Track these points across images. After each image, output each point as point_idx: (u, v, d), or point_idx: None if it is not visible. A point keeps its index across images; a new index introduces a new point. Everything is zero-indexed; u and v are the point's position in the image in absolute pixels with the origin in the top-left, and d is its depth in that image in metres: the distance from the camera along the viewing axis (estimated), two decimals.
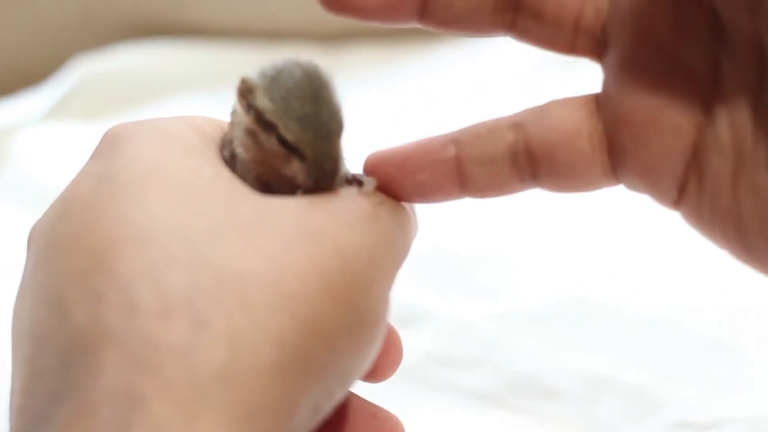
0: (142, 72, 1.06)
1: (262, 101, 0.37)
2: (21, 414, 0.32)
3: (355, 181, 0.38)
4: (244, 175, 0.37)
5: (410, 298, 0.66)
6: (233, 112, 0.39)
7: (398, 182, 0.39)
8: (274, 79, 0.37)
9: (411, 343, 0.63)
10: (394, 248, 0.37)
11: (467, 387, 0.60)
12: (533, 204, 0.78)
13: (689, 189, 0.38)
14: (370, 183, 0.38)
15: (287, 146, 0.37)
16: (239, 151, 0.38)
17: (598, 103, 0.39)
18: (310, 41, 1.16)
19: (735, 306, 0.65)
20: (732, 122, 0.36)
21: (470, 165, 0.39)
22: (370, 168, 0.39)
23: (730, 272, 0.67)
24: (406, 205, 0.39)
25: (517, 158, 0.39)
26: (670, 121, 0.37)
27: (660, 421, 0.57)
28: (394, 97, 0.98)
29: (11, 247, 0.52)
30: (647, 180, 0.39)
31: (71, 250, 0.33)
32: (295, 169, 0.37)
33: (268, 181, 0.38)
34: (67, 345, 0.31)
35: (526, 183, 0.40)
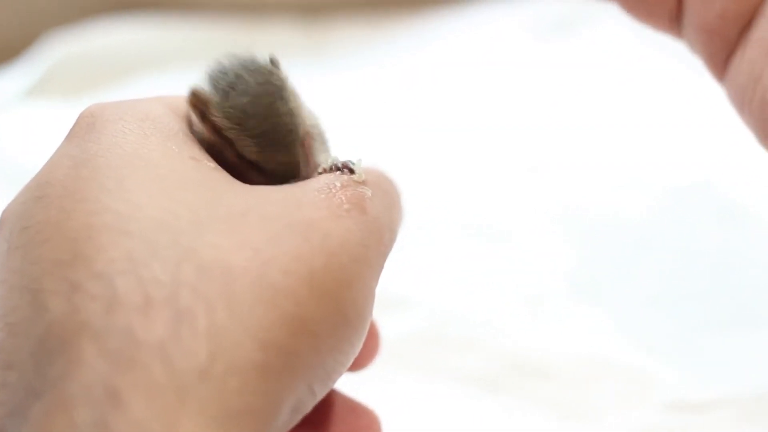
0: (120, 49, 1.04)
1: (218, 118, 0.36)
2: None
3: (345, 168, 0.37)
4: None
5: (402, 280, 0.65)
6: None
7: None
8: (227, 95, 0.36)
9: (403, 325, 0.62)
10: (381, 242, 0.36)
11: (460, 369, 0.59)
12: (528, 183, 0.78)
13: (736, 57, 0.43)
14: (360, 170, 0.37)
15: (247, 162, 0.37)
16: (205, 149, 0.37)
17: None
18: (291, 14, 1.14)
19: (730, 286, 0.64)
20: None
21: None
22: None
23: (724, 252, 0.67)
24: (394, 193, 0.39)
25: None
26: None
27: (656, 401, 0.56)
28: (380, 71, 0.97)
29: None
30: (703, 38, 0.44)
31: (47, 237, 0.32)
32: (255, 178, 0.37)
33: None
34: (43, 337, 0.30)
35: None
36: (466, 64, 0.96)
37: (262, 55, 0.38)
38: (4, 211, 0.36)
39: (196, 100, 0.37)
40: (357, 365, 0.43)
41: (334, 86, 0.89)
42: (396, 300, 0.62)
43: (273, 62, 0.38)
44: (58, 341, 0.29)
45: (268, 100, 0.37)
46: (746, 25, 0.42)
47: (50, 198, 0.33)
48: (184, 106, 0.39)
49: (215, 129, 0.37)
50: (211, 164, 0.35)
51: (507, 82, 0.91)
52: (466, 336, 0.62)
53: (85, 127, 0.36)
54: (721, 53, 0.43)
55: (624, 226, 0.72)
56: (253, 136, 0.36)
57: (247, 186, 0.35)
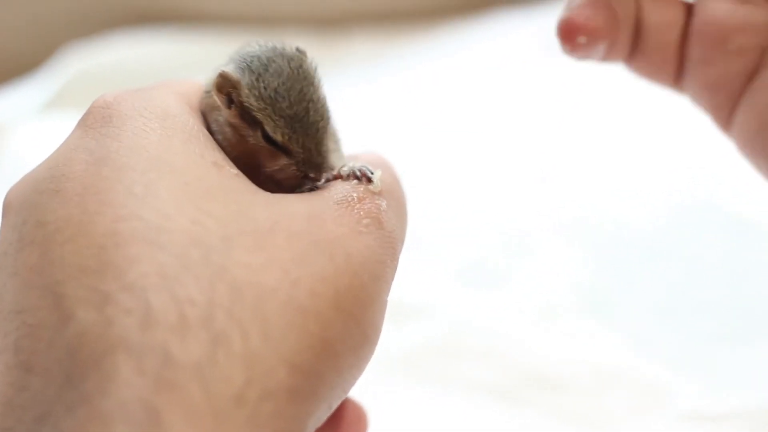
0: (136, 62, 1.05)
1: (249, 99, 0.36)
2: (8, 407, 0.30)
3: (363, 177, 0.37)
4: (233, 161, 0.36)
5: (416, 290, 0.65)
6: (207, 93, 0.38)
7: (598, 34, 0.43)
8: (260, 76, 0.36)
9: (416, 335, 0.62)
10: (395, 256, 0.36)
11: (473, 380, 0.59)
12: (541, 195, 0.78)
13: (741, 106, 0.43)
14: (378, 179, 0.37)
15: (274, 144, 0.37)
16: (220, 139, 0.37)
17: (692, 5, 0.44)
18: (307, 27, 1.15)
19: (744, 297, 0.64)
20: None
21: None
22: (569, 28, 0.43)
23: (740, 264, 0.67)
24: (404, 199, 0.39)
25: (624, 29, 0.44)
26: (737, 42, 0.42)
27: (671, 412, 0.56)
28: (394, 83, 0.97)
29: None
30: (707, 93, 0.44)
31: (68, 237, 0.31)
32: (281, 164, 0.37)
33: (255, 170, 0.37)
34: (72, 347, 0.29)
35: (618, 55, 0.45)
36: (479, 75, 0.96)
37: (289, 44, 0.38)
38: (10, 194, 0.35)
39: (225, 82, 0.37)
40: None
41: (349, 98, 0.90)
42: (411, 311, 0.62)
43: (300, 51, 0.38)
44: (91, 354, 0.29)
45: (301, 84, 0.37)
46: (750, 76, 0.43)
47: (68, 194, 0.32)
48: (194, 97, 0.39)
49: (242, 112, 0.37)
50: (233, 170, 0.35)
51: (519, 94, 0.91)
52: (481, 347, 0.62)
53: (100, 119, 0.35)
54: (726, 106, 0.44)
55: (636, 237, 0.71)
56: (284, 117, 0.36)
57: (270, 196, 0.35)
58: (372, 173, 0.37)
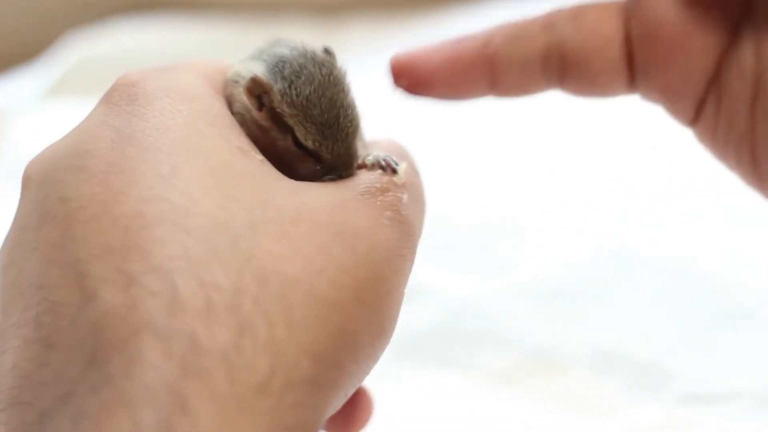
0: (137, 49, 1.05)
1: (281, 105, 0.37)
2: (27, 381, 0.30)
3: (388, 167, 0.37)
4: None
5: (416, 273, 0.65)
6: (234, 83, 0.38)
7: (433, 81, 0.39)
8: (293, 83, 0.37)
9: (417, 318, 0.62)
10: (414, 249, 0.36)
11: (474, 363, 0.60)
12: (541, 178, 0.78)
13: (707, 110, 0.39)
14: (402, 171, 0.37)
15: (304, 149, 0.37)
16: (245, 130, 0.37)
17: (629, 12, 0.40)
18: (307, 14, 1.15)
19: (744, 279, 0.65)
20: (758, 48, 0.37)
21: (505, 65, 0.40)
22: (400, 68, 0.41)
23: (739, 247, 0.67)
24: (422, 192, 0.39)
25: (549, 61, 0.40)
26: (698, 41, 0.38)
27: (669, 394, 0.57)
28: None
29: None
30: (668, 96, 0.40)
31: (92, 215, 0.31)
32: (311, 168, 0.37)
33: (277, 157, 0.37)
34: (96, 326, 0.29)
35: (550, 84, 0.41)
36: None
37: (317, 46, 0.39)
38: (31, 166, 0.35)
39: (257, 87, 0.37)
40: (351, 429, 0.43)
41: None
42: (410, 294, 0.62)
43: (329, 53, 0.39)
44: (115, 335, 0.29)
45: (333, 91, 0.37)
46: (712, 78, 0.39)
47: (92, 171, 0.32)
48: (218, 77, 0.39)
49: (274, 117, 0.37)
50: (259, 156, 0.35)
51: None
52: (480, 330, 0.62)
53: (125, 97, 0.35)
54: (689, 108, 0.40)
55: (636, 220, 0.72)
56: (316, 124, 0.37)
57: (294, 184, 0.35)
58: (397, 165, 0.37)
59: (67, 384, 0.29)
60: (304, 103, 0.37)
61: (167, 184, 0.31)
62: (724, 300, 0.63)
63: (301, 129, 0.37)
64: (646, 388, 0.57)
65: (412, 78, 0.41)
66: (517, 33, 0.41)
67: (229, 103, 0.38)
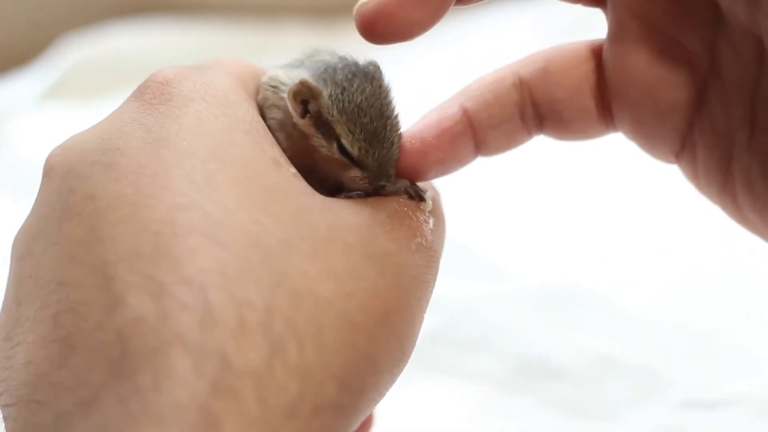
0: (134, 52, 1.05)
1: (330, 111, 0.37)
2: (43, 380, 0.29)
3: (417, 196, 0.38)
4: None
5: None
6: (273, 89, 0.38)
7: (422, 166, 0.39)
8: (345, 90, 0.37)
9: None
10: (436, 275, 0.36)
11: (472, 369, 0.60)
12: (540, 187, 0.78)
13: (685, 156, 0.39)
14: (430, 200, 0.38)
15: (349, 156, 0.37)
16: (280, 137, 0.37)
17: (603, 55, 0.39)
18: (304, 17, 1.15)
19: (743, 287, 0.64)
20: (727, 108, 0.36)
21: (484, 131, 0.40)
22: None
23: (737, 255, 0.67)
24: (443, 218, 0.39)
25: (524, 114, 0.40)
26: (666, 98, 0.37)
27: (667, 400, 0.56)
28: (390, 73, 0.97)
29: (5, 235, 0.51)
30: (645, 142, 0.39)
31: (122, 217, 0.30)
32: (354, 176, 0.37)
33: (311, 172, 0.37)
34: (122, 333, 0.28)
35: (533, 134, 0.41)
36: (475, 65, 0.96)
37: (364, 59, 0.39)
38: (53, 159, 0.34)
39: (305, 90, 0.37)
40: None
41: None
42: None
43: (375, 66, 0.39)
44: (144, 345, 0.28)
45: (381, 102, 0.38)
46: (686, 131, 0.38)
47: (122, 170, 0.31)
48: (249, 80, 0.39)
49: (319, 123, 0.37)
50: (292, 170, 0.35)
51: None
52: (480, 336, 0.62)
53: (159, 96, 0.34)
54: (667, 153, 0.39)
55: (636, 227, 0.72)
56: (364, 132, 0.37)
57: (325, 200, 0.34)
58: (424, 192, 0.38)
59: (90, 389, 0.28)
60: (355, 110, 0.37)
61: (201, 192, 0.31)
62: (723, 305, 0.63)
63: (348, 136, 0.37)
64: (646, 394, 0.57)
65: (406, 170, 0.39)
66: (488, 98, 0.40)
67: (261, 109, 0.38)
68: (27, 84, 1.03)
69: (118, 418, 0.27)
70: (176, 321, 0.28)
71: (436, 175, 0.40)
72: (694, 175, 0.39)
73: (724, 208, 0.39)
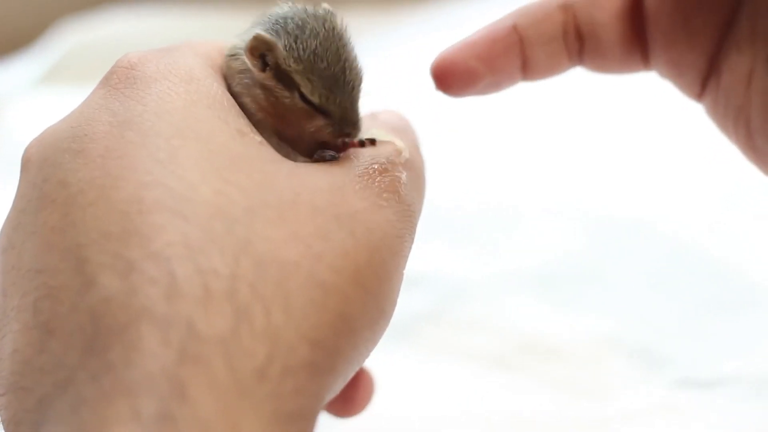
0: (132, 36, 1.04)
1: (287, 61, 0.36)
2: (27, 367, 0.30)
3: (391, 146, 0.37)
4: (258, 126, 0.37)
5: (411, 258, 0.65)
6: (232, 57, 0.38)
7: (476, 75, 0.41)
8: (298, 38, 0.37)
9: (412, 304, 0.62)
10: (412, 230, 0.36)
11: (468, 348, 0.60)
12: (537, 163, 0.78)
13: (710, 84, 0.41)
14: (405, 150, 0.37)
15: (311, 104, 0.37)
16: (247, 102, 0.37)
17: None
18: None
19: (741, 264, 0.65)
20: (752, 27, 0.39)
21: (532, 47, 0.42)
22: (443, 71, 0.41)
23: (737, 232, 0.67)
24: (422, 170, 0.39)
25: (567, 37, 0.42)
26: (698, 17, 0.40)
27: (664, 379, 0.57)
28: (386, 60, 0.97)
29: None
30: (675, 71, 0.42)
31: (91, 200, 0.31)
32: (319, 124, 0.37)
33: (284, 134, 0.37)
34: (95, 313, 0.29)
35: (573, 62, 0.43)
36: None
37: (318, 6, 0.39)
38: (30, 149, 0.35)
39: (260, 44, 0.37)
40: (351, 411, 0.43)
41: None
42: (406, 279, 0.62)
43: (325, 10, 0.39)
44: (115, 322, 0.28)
45: (337, 45, 0.37)
46: (714, 54, 0.41)
47: (91, 156, 0.32)
48: (217, 58, 0.39)
49: (279, 75, 0.37)
50: (257, 138, 0.35)
51: None
52: (476, 316, 0.62)
53: (124, 80, 0.35)
54: (695, 82, 0.42)
55: (632, 206, 0.72)
56: (322, 78, 0.36)
57: (292, 166, 0.35)
58: (396, 142, 0.38)
59: (66, 370, 0.29)
60: (311, 57, 0.36)
61: (165, 169, 0.31)
62: (720, 284, 0.63)
63: (308, 84, 0.36)
64: (642, 373, 0.57)
65: (457, 77, 0.42)
66: (538, 14, 0.42)
67: (228, 81, 0.38)
68: (24, 68, 1.03)
69: (91, 395, 0.28)
70: (144, 295, 0.29)
71: (485, 90, 0.42)
72: (715, 109, 0.41)
73: (739, 144, 0.41)
